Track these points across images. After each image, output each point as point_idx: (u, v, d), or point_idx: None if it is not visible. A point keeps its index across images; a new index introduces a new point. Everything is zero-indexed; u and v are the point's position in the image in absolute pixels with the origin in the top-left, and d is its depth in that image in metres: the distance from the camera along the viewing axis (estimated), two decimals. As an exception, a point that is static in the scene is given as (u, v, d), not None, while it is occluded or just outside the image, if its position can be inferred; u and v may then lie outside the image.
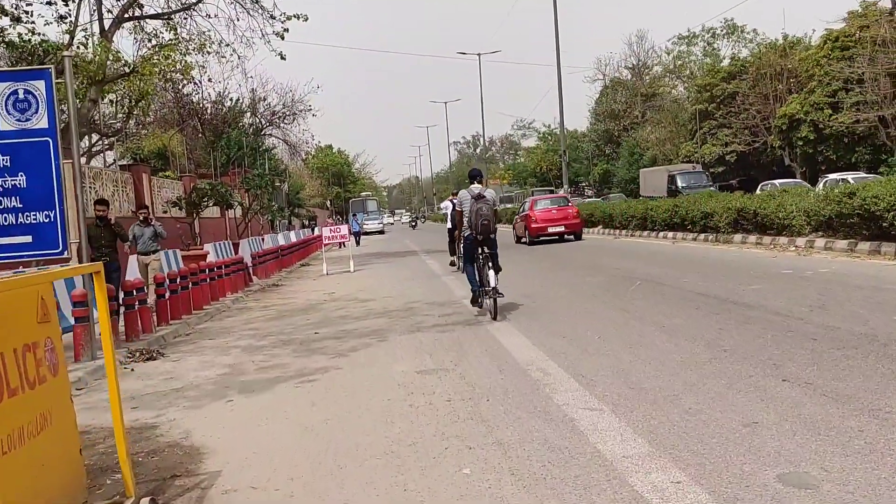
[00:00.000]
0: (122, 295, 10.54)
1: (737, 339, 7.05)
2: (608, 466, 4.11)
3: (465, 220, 10.19)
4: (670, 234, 22.59)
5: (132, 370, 8.68)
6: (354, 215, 47.64)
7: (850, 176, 26.04)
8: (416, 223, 75.37)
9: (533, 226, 25.83)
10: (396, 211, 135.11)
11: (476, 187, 10.29)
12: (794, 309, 8.29)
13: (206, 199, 21.22)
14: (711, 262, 14.44)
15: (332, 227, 25.56)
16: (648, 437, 4.51)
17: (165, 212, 22.26)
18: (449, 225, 17.92)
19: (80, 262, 8.99)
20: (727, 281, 11.27)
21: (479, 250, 10.16)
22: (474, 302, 10.46)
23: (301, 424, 5.67)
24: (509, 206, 52.26)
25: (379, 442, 4.99)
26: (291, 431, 5.53)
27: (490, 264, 9.97)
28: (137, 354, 9.38)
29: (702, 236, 20.31)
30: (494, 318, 9.62)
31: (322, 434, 5.36)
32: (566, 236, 26.08)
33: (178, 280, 12.67)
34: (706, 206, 20.23)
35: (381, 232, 60.63)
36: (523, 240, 26.83)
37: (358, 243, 37.42)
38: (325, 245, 24.50)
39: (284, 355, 8.72)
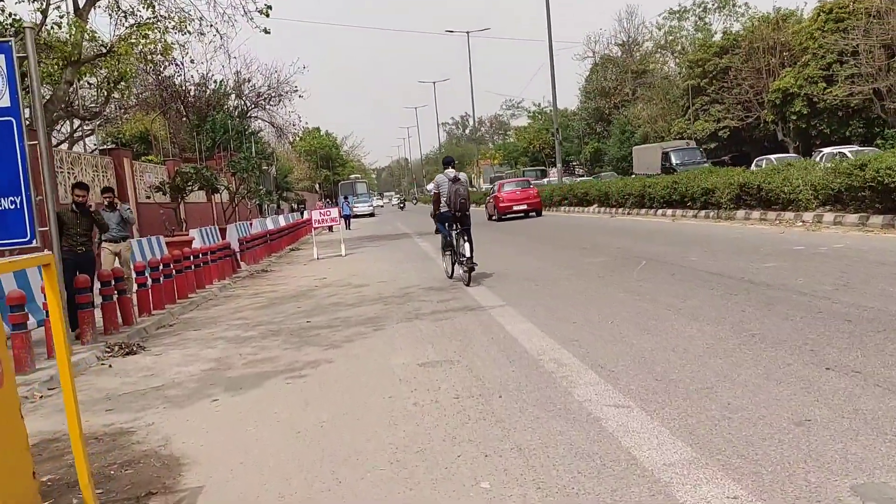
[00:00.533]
0: (98, 285, 9.90)
1: (763, 321, 6.51)
2: (649, 477, 3.56)
3: (443, 199, 11.45)
4: (669, 212, 22.02)
5: (110, 366, 8.09)
6: (346, 198, 46.93)
7: (847, 150, 25.56)
8: (405, 205, 76.26)
9: (500, 205, 30.29)
10: (385, 193, 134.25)
11: (451, 172, 11.52)
12: (817, 288, 7.76)
13: (190, 183, 20.47)
14: (717, 240, 13.89)
15: (322, 210, 24.87)
16: (689, 440, 3.96)
17: (148, 197, 21.55)
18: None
19: (52, 251, 8.36)
20: (738, 259, 10.74)
21: (455, 226, 11.43)
22: (446, 247, 11.96)
23: (293, 428, 5.11)
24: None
25: (382, 449, 4.43)
26: (283, 436, 4.97)
27: (465, 238, 11.20)
28: (116, 349, 8.78)
29: (702, 213, 19.75)
30: (467, 285, 10.83)
31: (317, 439, 4.80)
32: (529, 213, 30.37)
33: (161, 268, 12.04)
34: (707, 182, 19.62)
35: (372, 215, 60.06)
36: (493, 217, 31.09)
37: (349, 227, 36.86)
38: (315, 229, 23.81)
39: (274, 347, 8.14)
